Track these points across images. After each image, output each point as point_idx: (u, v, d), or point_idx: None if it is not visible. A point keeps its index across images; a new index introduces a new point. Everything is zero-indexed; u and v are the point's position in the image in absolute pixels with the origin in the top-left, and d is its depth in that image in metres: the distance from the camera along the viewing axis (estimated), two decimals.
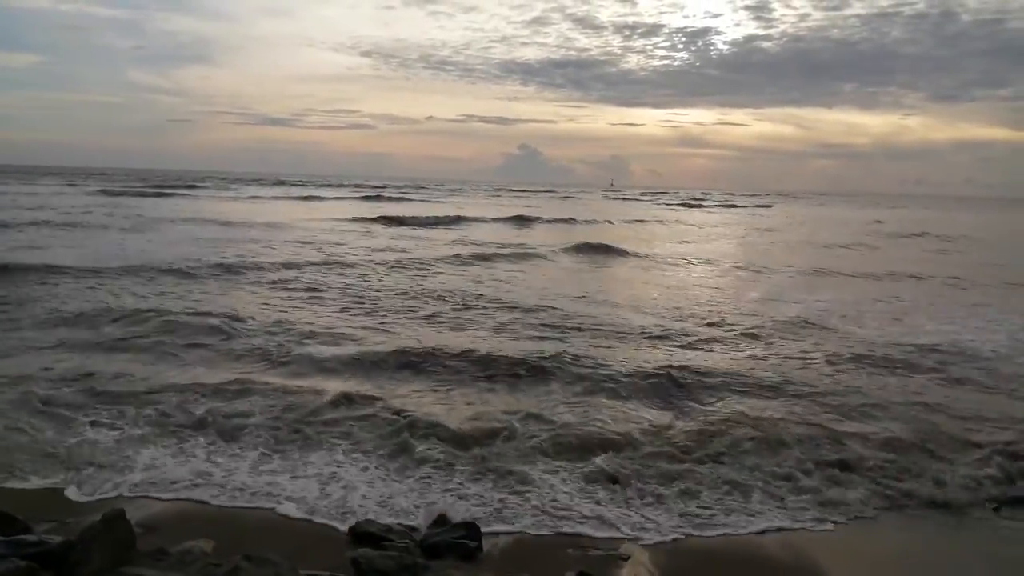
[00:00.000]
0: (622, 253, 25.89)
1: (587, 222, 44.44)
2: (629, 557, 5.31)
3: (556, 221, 43.35)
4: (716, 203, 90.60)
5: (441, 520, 5.66)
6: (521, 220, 42.09)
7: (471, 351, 10.46)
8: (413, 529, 5.58)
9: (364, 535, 5.40)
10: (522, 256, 23.66)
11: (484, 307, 14.27)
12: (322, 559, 5.12)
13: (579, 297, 16.11)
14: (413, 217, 38.50)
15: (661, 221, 49.82)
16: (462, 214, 42.84)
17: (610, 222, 45.83)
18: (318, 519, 5.80)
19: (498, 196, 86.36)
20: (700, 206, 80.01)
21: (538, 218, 43.35)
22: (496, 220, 41.58)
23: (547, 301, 15.03)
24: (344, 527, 5.61)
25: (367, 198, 64.30)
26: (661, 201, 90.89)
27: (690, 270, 22.53)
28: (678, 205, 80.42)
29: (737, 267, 23.22)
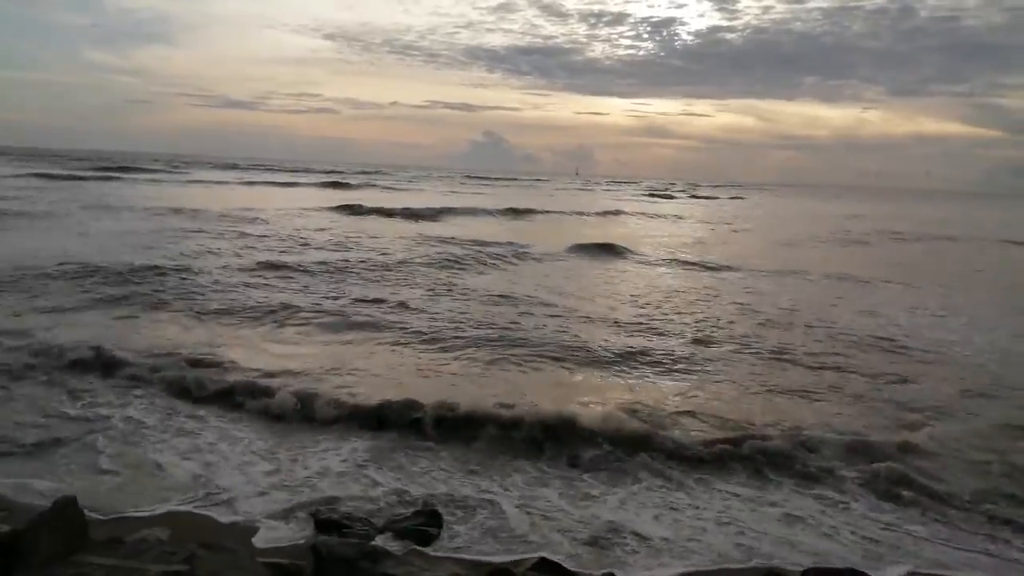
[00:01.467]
0: (633, 255, 22.67)
1: (578, 214, 41.88)
2: None
3: (548, 213, 40.59)
4: (690, 194, 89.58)
5: (404, 504, 5.64)
6: (515, 213, 38.45)
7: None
8: (375, 517, 5.54)
9: (326, 523, 5.35)
10: (538, 259, 20.76)
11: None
12: (282, 547, 5.07)
13: (614, 325, 12.41)
14: (406, 209, 35.12)
15: (652, 215, 46.55)
16: (447, 204, 39.98)
17: (608, 213, 43.69)
18: (274, 508, 5.73)
19: (469, 184, 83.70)
20: (673, 197, 78.61)
21: (530, 210, 40.12)
22: (486, 213, 37.83)
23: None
24: (305, 516, 5.55)
25: (333, 184, 60.94)
26: (634, 192, 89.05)
27: (726, 278, 18.83)
28: (657, 196, 78.09)
29: (772, 273, 19.71)
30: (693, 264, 21.32)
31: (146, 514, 5.49)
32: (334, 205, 35.73)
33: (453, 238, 24.18)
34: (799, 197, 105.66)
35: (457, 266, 18.45)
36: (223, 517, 5.52)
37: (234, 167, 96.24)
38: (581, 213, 43.12)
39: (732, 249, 26.42)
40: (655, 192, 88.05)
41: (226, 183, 56.74)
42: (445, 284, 15.75)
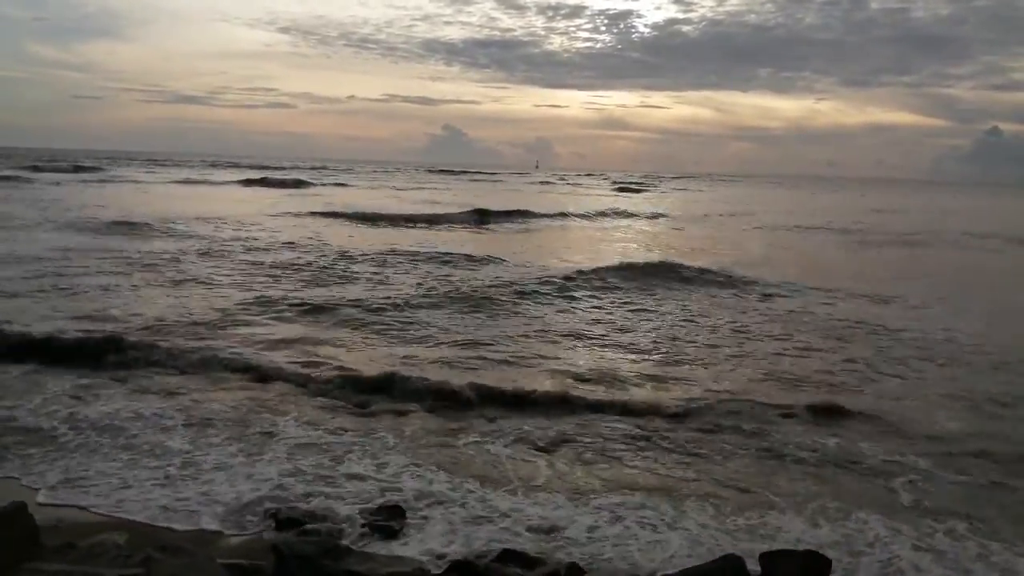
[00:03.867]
0: (745, 282, 16.08)
1: (583, 216, 36.35)
2: None
3: (553, 216, 34.86)
4: (672, 188, 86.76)
5: (364, 501, 5.61)
6: (521, 217, 32.69)
7: None
8: (336, 513, 5.50)
9: (286, 521, 5.30)
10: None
11: None
12: (242, 547, 5.01)
13: None
14: (393, 215, 29.78)
15: (671, 216, 39.76)
16: (432, 202, 36.22)
17: (619, 215, 38.13)
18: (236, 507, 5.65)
19: (441, 180, 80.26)
20: (645, 190, 75.54)
21: (530, 213, 34.09)
22: (484, 218, 31.47)
23: None
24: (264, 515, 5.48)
25: (296, 183, 55.34)
26: (607, 185, 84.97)
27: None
28: (632, 190, 73.82)
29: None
30: (862, 295, 15.13)
31: (104, 518, 5.38)
32: (306, 211, 30.29)
33: (474, 261, 18.25)
34: (784, 189, 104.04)
35: (485, 309, 12.78)
36: (182, 520, 5.44)
37: (190, 164, 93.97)
38: (587, 215, 37.16)
39: (872, 267, 20.91)
40: (628, 185, 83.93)
41: (174, 182, 52.44)
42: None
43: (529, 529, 5.40)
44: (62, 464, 6.26)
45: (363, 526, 5.28)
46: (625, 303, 13.97)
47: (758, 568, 4.52)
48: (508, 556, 4.77)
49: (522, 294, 13.98)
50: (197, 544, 4.72)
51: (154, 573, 3.85)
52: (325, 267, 16.78)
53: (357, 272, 16.28)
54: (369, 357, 9.80)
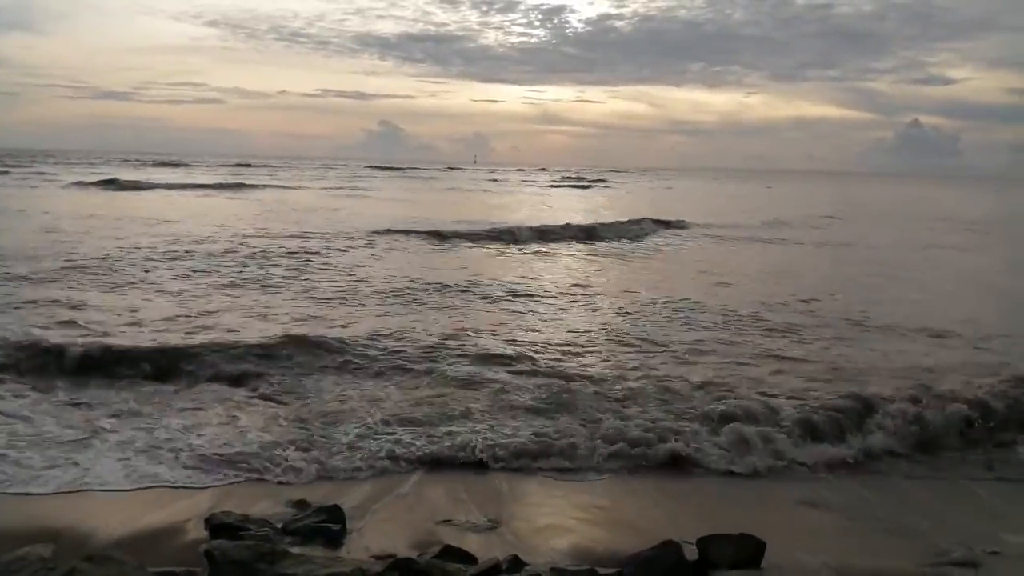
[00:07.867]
0: None
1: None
2: None
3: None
4: (632, 183, 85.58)
5: (301, 504, 5.53)
6: (585, 236, 24.20)
7: None
8: (273, 517, 5.40)
9: (220, 527, 5.17)
10: None
11: None
12: (175, 554, 4.87)
13: None
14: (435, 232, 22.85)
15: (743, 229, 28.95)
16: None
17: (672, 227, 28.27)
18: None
19: (391, 180, 74.88)
20: (598, 185, 73.94)
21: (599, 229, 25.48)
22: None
23: None
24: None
25: (238, 187, 46.43)
26: (566, 179, 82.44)
27: None
28: (580, 185, 71.64)
29: None
30: None
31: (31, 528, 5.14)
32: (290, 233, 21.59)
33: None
34: (742, 181, 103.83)
35: None
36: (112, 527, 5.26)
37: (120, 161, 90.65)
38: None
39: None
40: (580, 180, 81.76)
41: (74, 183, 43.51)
42: None
43: None
44: None
45: (301, 530, 5.17)
46: None
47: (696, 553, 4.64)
48: (449, 552, 4.76)
49: None
50: (127, 552, 4.57)
51: None
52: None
53: None
54: None
